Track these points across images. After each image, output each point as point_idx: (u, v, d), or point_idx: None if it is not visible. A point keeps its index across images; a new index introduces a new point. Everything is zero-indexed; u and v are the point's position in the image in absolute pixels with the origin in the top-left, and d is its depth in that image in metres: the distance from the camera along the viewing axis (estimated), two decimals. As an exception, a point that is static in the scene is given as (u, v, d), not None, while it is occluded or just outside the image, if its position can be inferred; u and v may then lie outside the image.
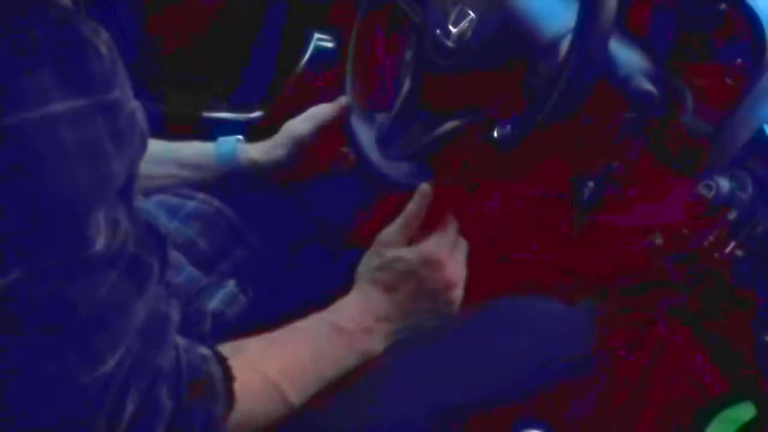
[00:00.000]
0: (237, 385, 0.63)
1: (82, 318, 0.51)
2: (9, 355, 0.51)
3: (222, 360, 0.64)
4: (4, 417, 0.52)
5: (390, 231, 0.79)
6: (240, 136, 0.99)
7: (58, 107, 0.47)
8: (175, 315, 0.63)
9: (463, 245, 0.80)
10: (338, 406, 0.72)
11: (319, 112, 0.98)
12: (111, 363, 0.54)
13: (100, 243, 0.51)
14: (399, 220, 0.79)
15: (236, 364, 0.65)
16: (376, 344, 0.74)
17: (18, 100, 0.46)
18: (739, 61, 0.80)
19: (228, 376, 0.63)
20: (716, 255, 0.82)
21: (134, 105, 0.55)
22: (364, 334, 0.73)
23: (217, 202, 0.93)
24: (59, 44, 0.48)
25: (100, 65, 0.49)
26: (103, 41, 0.50)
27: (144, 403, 0.56)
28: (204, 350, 0.65)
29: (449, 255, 0.78)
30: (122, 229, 0.53)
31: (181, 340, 0.63)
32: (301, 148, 0.96)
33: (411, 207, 0.79)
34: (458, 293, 0.78)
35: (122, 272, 0.54)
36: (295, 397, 0.68)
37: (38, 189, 0.48)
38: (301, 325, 0.72)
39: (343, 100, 0.98)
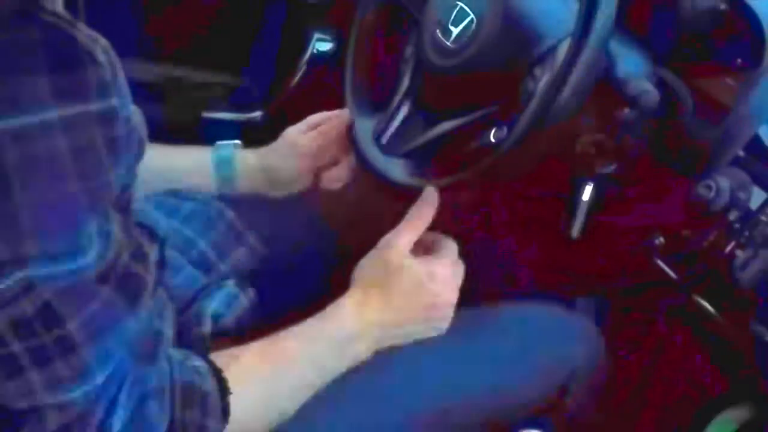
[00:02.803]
0: (232, 398, 0.63)
1: (71, 331, 0.51)
2: None
3: (217, 373, 0.64)
4: None
5: (395, 236, 0.78)
6: (238, 141, 0.98)
7: (53, 114, 0.47)
8: (168, 331, 0.62)
9: (461, 266, 0.80)
10: (339, 408, 0.72)
11: (321, 119, 0.98)
12: (100, 378, 0.53)
13: (91, 255, 0.50)
14: (404, 225, 0.78)
15: (230, 376, 0.64)
16: (364, 351, 0.74)
17: (14, 106, 0.46)
18: (739, 61, 0.81)
19: (223, 389, 0.63)
20: (716, 255, 0.82)
21: (132, 110, 0.54)
22: (354, 341, 0.73)
23: (216, 203, 0.93)
24: (55, 51, 0.47)
25: (96, 73, 0.49)
26: (101, 48, 0.50)
27: (132, 420, 0.56)
28: (199, 363, 0.64)
29: (455, 274, 0.79)
30: (115, 242, 0.53)
31: (175, 354, 0.63)
32: (302, 156, 0.95)
33: (416, 211, 0.79)
34: (451, 312, 0.78)
35: (114, 287, 0.53)
36: (289, 406, 0.68)
37: (30, 196, 0.47)
38: (294, 332, 0.71)
39: (345, 112, 0.96)
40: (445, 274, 0.77)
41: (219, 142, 0.97)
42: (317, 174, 0.97)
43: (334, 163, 0.97)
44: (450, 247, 0.80)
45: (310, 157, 0.95)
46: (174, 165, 0.93)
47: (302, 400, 0.69)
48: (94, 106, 0.49)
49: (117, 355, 0.54)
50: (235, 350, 0.68)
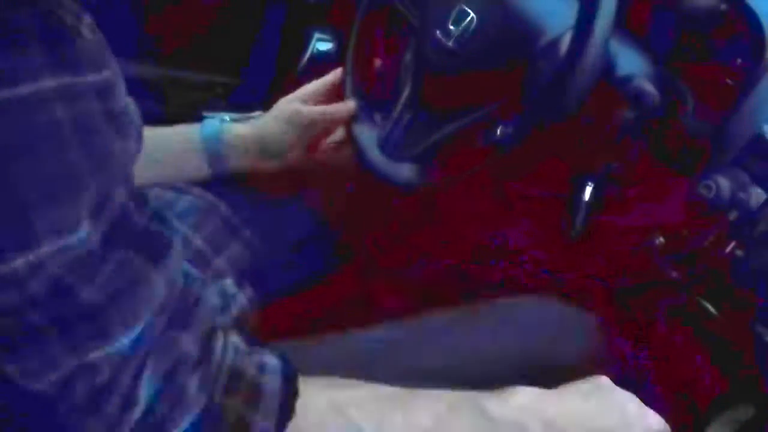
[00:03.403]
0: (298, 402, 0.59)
1: (87, 298, 0.49)
2: (13, 330, 0.49)
3: (290, 374, 0.60)
4: (16, 395, 0.50)
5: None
6: (226, 116, 0.97)
7: (49, 83, 0.46)
8: (213, 299, 0.59)
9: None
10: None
11: (316, 92, 0.98)
12: (124, 341, 0.51)
13: (90, 222, 0.49)
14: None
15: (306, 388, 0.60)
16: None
17: (7, 77, 0.45)
18: (739, 61, 0.81)
19: (290, 391, 0.59)
20: (716, 255, 0.82)
21: (127, 100, 0.54)
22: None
23: (210, 197, 0.93)
24: (42, 29, 0.47)
25: (85, 47, 0.49)
26: (86, 26, 0.50)
27: (164, 390, 0.53)
28: (269, 359, 0.60)
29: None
30: (116, 203, 0.51)
31: (239, 343, 0.59)
32: (299, 127, 0.95)
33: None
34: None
35: (131, 246, 0.51)
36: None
37: (33, 169, 0.46)
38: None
39: (332, 76, 0.99)
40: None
41: (207, 118, 0.96)
42: (310, 144, 0.97)
43: (327, 133, 0.98)
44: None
45: (307, 128, 0.95)
46: (162, 143, 0.92)
47: None
48: (90, 78, 0.48)
49: (143, 317, 0.52)
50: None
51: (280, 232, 0.96)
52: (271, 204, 0.97)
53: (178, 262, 0.55)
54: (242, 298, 0.83)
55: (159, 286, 0.53)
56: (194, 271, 0.85)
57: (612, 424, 0.68)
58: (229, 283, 0.84)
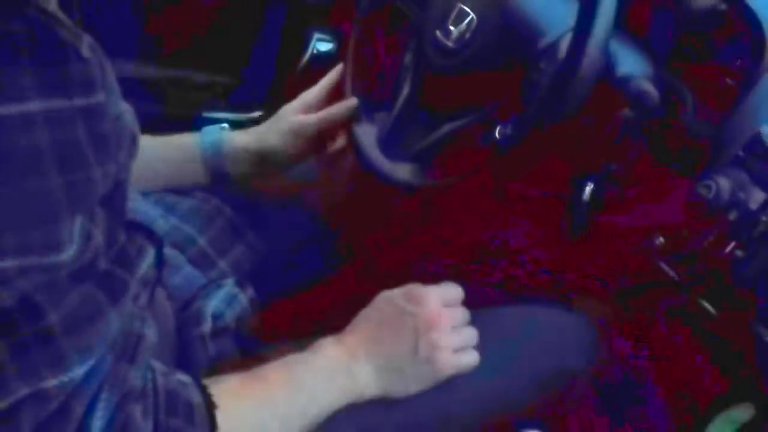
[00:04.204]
0: (218, 413, 0.62)
1: (48, 322, 0.50)
2: None
3: (202, 387, 0.64)
4: None
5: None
6: (225, 125, 0.96)
7: (34, 106, 0.46)
8: (152, 336, 0.61)
9: (463, 314, 0.78)
10: (345, 414, 0.72)
11: (317, 99, 0.97)
12: (79, 371, 0.52)
13: (69, 253, 0.49)
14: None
15: (216, 393, 0.64)
16: (359, 383, 0.72)
17: None
18: (739, 61, 0.81)
19: (209, 403, 0.62)
20: (716, 255, 0.82)
21: (123, 108, 0.54)
22: (343, 372, 0.71)
23: (215, 200, 0.93)
24: (38, 47, 0.47)
25: (80, 68, 0.48)
26: (86, 45, 0.49)
27: (115, 419, 0.55)
28: (183, 377, 0.64)
29: (438, 299, 0.76)
30: (93, 246, 0.51)
31: (158, 365, 0.62)
32: (301, 137, 0.94)
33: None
34: (440, 340, 0.74)
35: (95, 284, 0.53)
36: (277, 427, 0.67)
37: (7, 187, 0.46)
38: (275, 363, 0.70)
39: (332, 76, 0.97)
40: (424, 293, 0.75)
41: (206, 128, 0.95)
42: (314, 149, 0.96)
43: (330, 138, 0.96)
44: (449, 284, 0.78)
45: (309, 138, 0.94)
46: (161, 154, 0.92)
47: (300, 428, 0.68)
48: (79, 102, 0.48)
49: (97, 350, 0.53)
50: (219, 377, 0.67)
51: (280, 233, 0.96)
52: (271, 205, 0.97)
53: (129, 303, 0.57)
54: (243, 299, 0.83)
55: (114, 322, 0.54)
56: (197, 275, 0.85)
57: None
58: (230, 283, 0.84)
